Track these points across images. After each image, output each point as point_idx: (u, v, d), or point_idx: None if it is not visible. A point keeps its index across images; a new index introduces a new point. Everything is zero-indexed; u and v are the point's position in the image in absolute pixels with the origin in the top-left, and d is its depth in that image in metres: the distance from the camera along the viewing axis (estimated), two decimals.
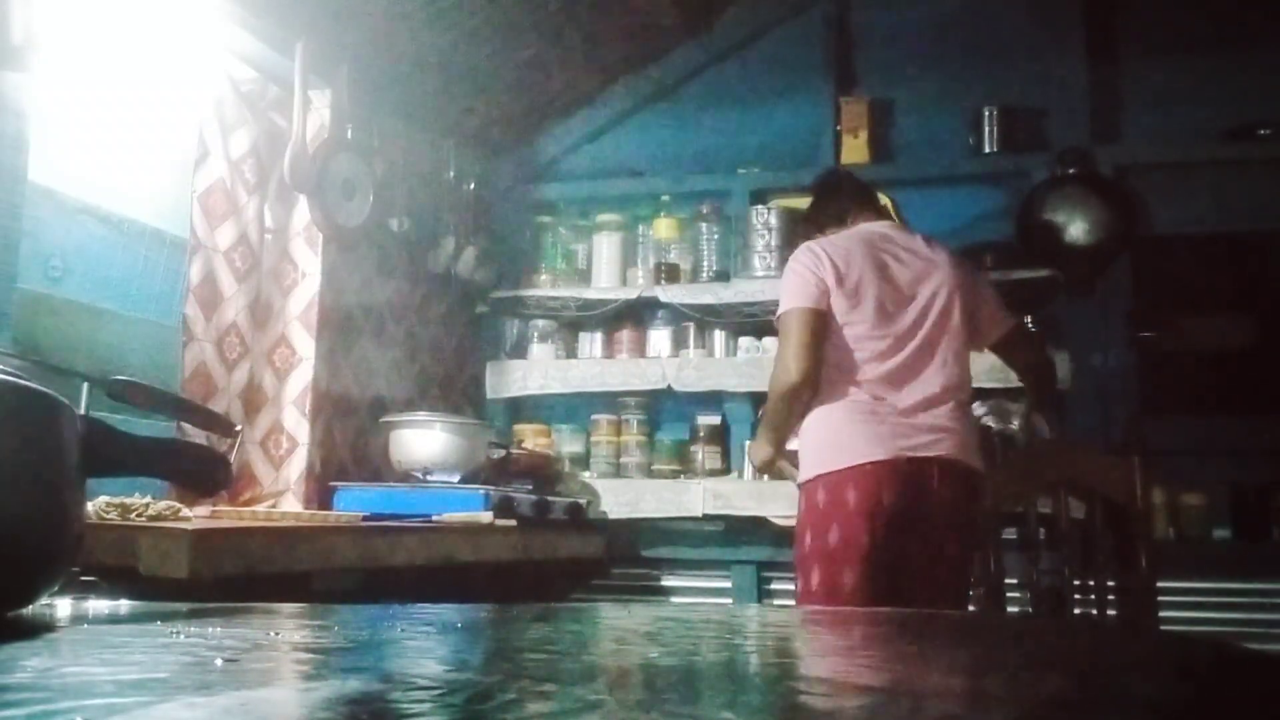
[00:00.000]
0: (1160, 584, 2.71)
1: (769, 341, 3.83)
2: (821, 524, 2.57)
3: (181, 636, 0.74)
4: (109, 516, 1.96)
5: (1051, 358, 3.16)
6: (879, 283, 2.65)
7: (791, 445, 2.79)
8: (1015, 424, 3.41)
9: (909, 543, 2.54)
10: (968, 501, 2.64)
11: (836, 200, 2.90)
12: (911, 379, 2.64)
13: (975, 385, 3.59)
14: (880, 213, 2.93)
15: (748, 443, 3.38)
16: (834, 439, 2.62)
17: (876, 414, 2.60)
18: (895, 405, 2.61)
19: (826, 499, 2.57)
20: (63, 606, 0.86)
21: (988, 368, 3.59)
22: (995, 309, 2.86)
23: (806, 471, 2.65)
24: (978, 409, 3.52)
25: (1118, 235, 3.61)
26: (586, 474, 3.86)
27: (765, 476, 3.70)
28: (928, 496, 2.57)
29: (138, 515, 1.99)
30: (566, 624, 0.92)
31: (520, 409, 4.06)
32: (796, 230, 3.10)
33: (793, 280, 2.68)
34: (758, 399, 3.87)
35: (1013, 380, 3.53)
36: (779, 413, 2.71)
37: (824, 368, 2.63)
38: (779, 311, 2.69)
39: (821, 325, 2.62)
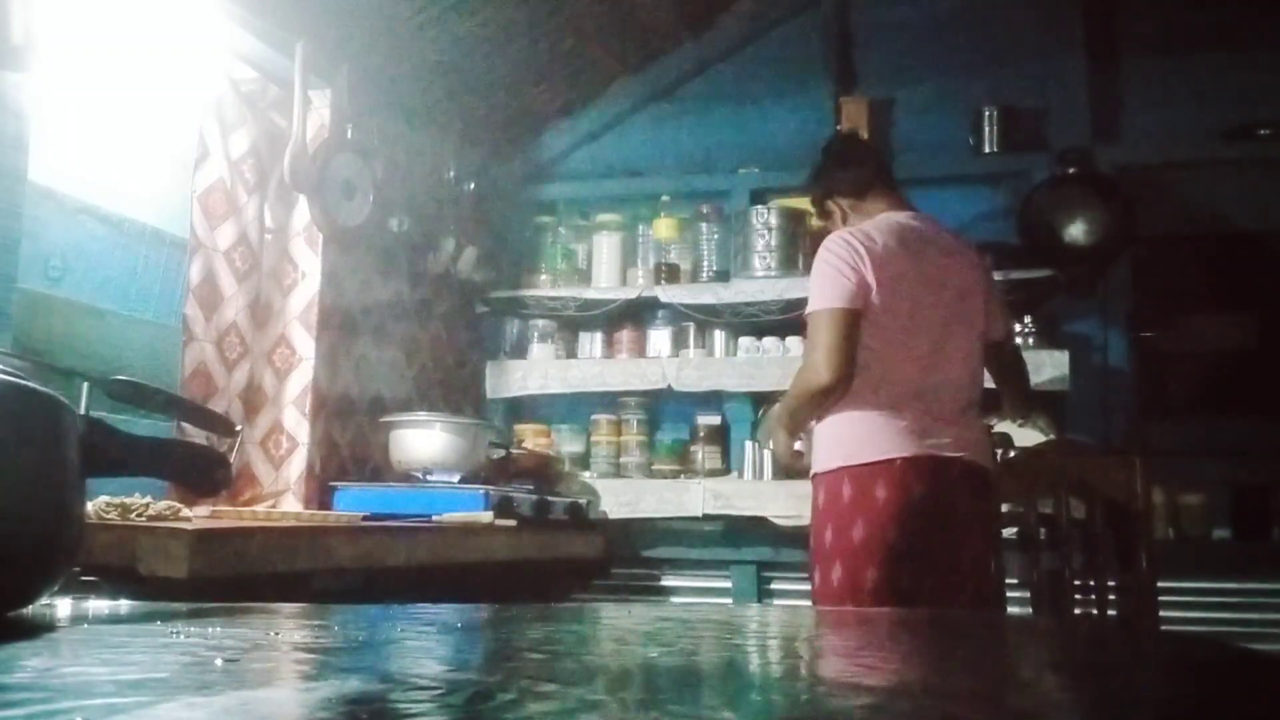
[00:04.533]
0: (1160, 584, 2.71)
1: (769, 342, 3.83)
2: (845, 518, 2.48)
3: (181, 636, 0.74)
4: (109, 516, 1.96)
5: (1025, 366, 3.07)
6: (915, 282, 2.56)
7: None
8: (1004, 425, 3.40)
9: (932, 543, 2.49)
10: (985, 502, 2.61)
11: (858, 170, 2.75)
12: (938, 377, 2.57)
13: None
14: (901, 197, 2.77)
15: (761, 433, 3.28)
16: (862, 433, 2.53)
17: (903, 411, 2.53)
18: (922, 403, 2.55)
19: (852, 493, 2.49)
20: (63, 606, 0.86)
21: None
22: (1000, 310, 2.83)
23: (828, 463, 2.55)
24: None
25: (1118, 235, 3.61)
26: (586, 474, 3.86)
27: (768, 474, 3.69)
28: (950, 497, 2.52)
29: (138, 515, 1.99)
30: (566, 624, 0.92)
31: (520, 409, 4.06)
32: (810, 190, 2.88)
33: (829, 275, 2.53)
34: (758, 399, 3.88)
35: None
36: (803, 410, 2.61)
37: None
38: (811, 308, 2.55)
39: (856, 326, 2.51)
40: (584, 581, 3.66)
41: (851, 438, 2.53)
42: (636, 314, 3.97)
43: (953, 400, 2.59)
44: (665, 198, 4.04)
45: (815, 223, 3.01)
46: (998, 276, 3.59)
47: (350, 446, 3.31)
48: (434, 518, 2.82)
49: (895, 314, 2.53)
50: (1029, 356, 3.55)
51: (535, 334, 4.03)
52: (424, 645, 0.75)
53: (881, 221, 2.64)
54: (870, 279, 2.50)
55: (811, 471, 2.61)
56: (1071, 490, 2.74)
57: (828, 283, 2.52)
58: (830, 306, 2.50)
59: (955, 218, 3.89)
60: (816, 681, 0.64)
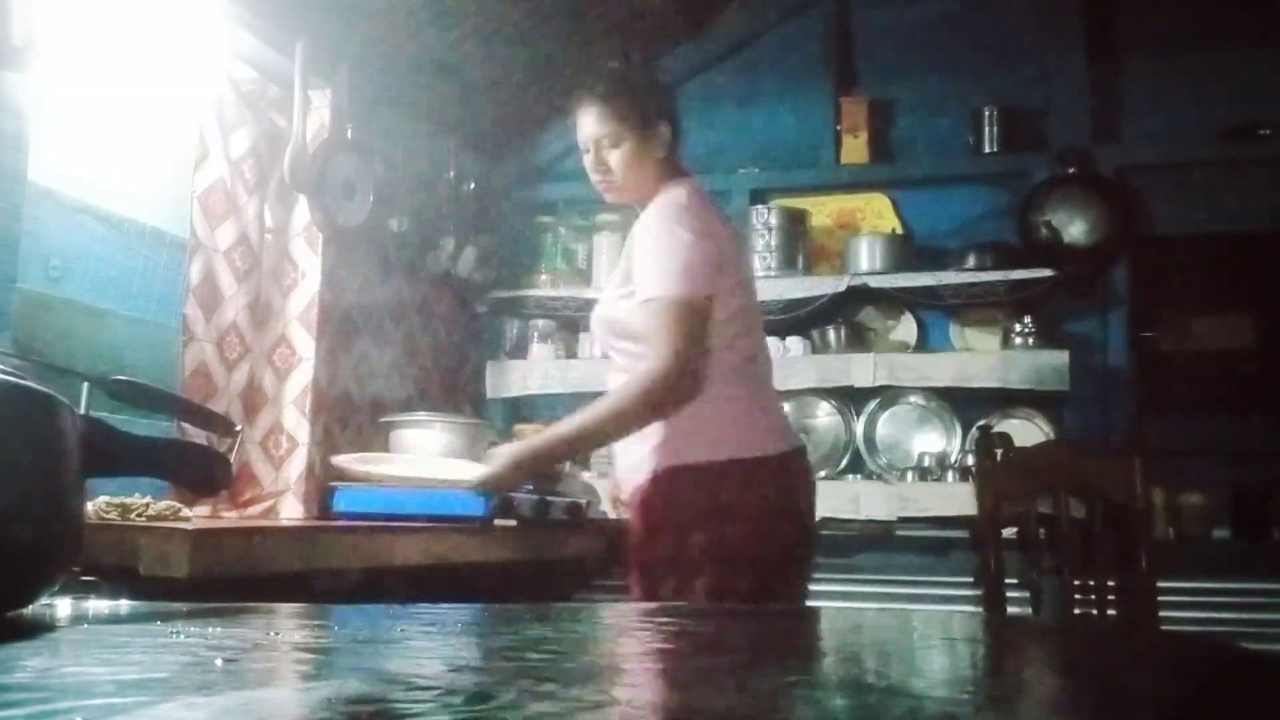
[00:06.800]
0: (1160, 584, 2.71)
1: (769, 341, 3.82)
2: (719, 518, 2.12)
3: (181, 636, 0.74)
4: (109, 516, 1.96)
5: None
6: (744, 256, 2.31)
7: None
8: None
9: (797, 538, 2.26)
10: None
11: (671, 118, 2.32)
12: (768, 364, 2.31)
13: (979, 385, 3.61)
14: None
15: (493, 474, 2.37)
16: (767, 421, 2.23)
17: (772, 400, 2.30)
18: (772, 392, 2.32)
19: (736, 488, 2.14)
20: (63, 606, 0.86)
21: (988, 367, 3.59)
22: None
23: (737, 451, 2.15)
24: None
25: (1118, 235, 3.61)
26: (587, 474, 3.85)
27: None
28: (809, 489, 2.31)
29: (138, 515, 1.99)
30: (566, 624, 0.92)
31: (520, 409, 4.06)
32: (645, 104, 2.32)
33: (688, 254, 2.08)
34: None
35: (1012, 381, 3.54)
36: (639, 423, 2.22)
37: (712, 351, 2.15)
38: (659, 292, 2.08)
39: (709, 315, 2.12)
40: (585, 581, 3.66)
41: (730, 430, 2.17)
42: None
43: (776, 388, 2.39)
44: None
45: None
46: (997, 276, 3.60)
47: (350, 446, 3.31)
48: (434, 518, 2.82)
49: (749, 294, 2.24)
50: (1029, 356, 3.56)
51: (535, 334, 4.03)
52: (424, 645, 0.75)
53: (696, 184, 2.27)
54: (728, 252, 2.16)
55: (680, 461, 2.18)
56: (1071, 490, 2.74)
57: (686, 261, 2.08)
58: (690, 295, 2.07)
59: (955, 218, 3.90)
60: (815, 681, 0.64)
